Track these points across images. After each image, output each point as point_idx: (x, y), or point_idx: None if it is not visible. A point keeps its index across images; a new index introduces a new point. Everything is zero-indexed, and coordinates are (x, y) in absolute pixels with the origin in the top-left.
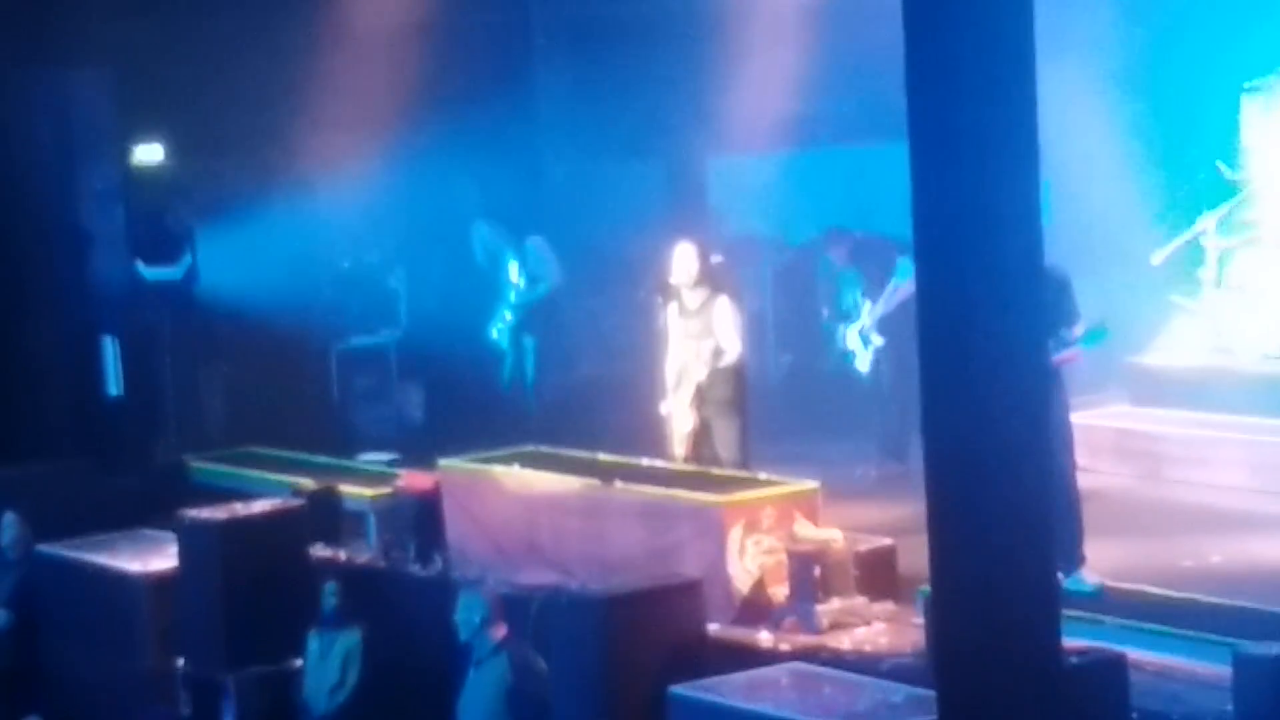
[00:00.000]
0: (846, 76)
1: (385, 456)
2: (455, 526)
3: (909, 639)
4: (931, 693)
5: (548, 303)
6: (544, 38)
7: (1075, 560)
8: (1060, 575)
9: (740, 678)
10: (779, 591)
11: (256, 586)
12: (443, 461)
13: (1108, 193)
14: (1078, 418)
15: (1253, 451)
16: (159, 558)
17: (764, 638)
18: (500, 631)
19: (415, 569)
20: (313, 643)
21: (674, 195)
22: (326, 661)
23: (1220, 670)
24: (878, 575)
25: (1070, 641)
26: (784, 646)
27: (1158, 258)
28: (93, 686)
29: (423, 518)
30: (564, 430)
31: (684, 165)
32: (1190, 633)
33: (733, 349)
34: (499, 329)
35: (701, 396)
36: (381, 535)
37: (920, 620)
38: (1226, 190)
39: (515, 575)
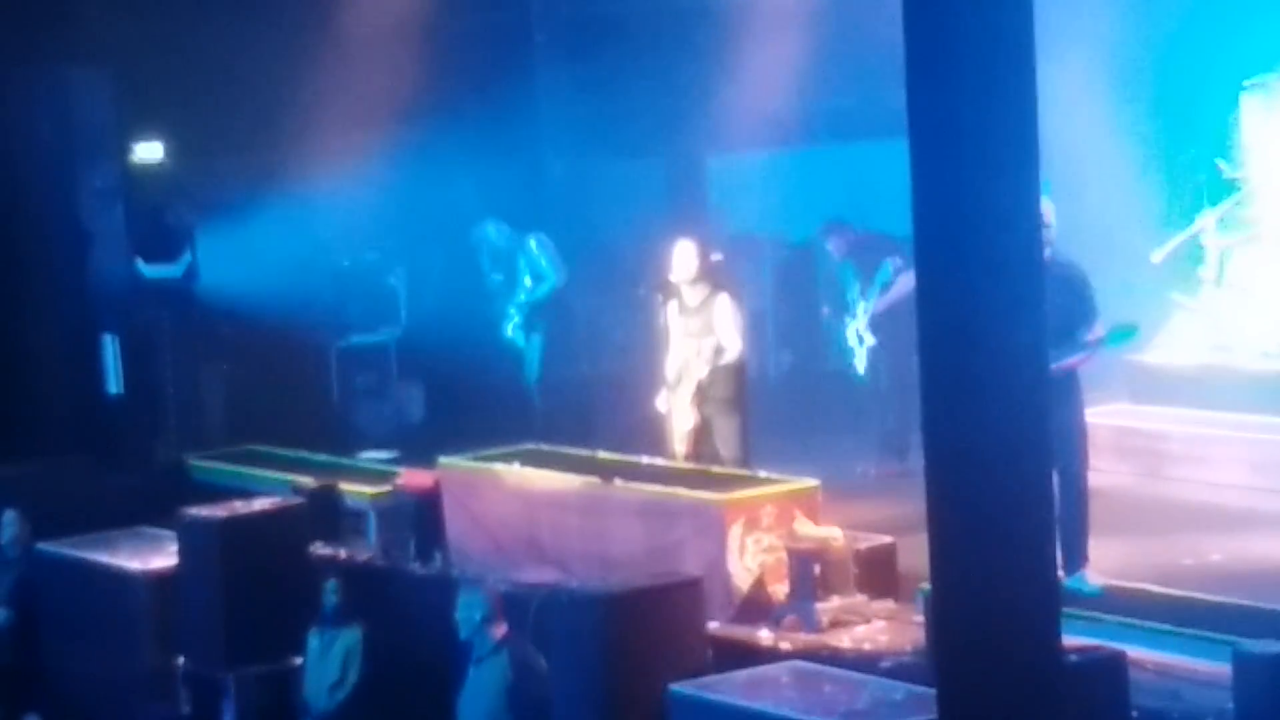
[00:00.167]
0: (847, 74)
1: (385, 455)
2: (455, 524)
3: (909, 637)
4: (931, 691)
5: (552, 301)
6: (544, 36)
7: (1078, 560)
8: (1062, 574)
9: (740, 676)
10: (779, 590)
11: (256, 585)
12: (443, 460)
13: (1108, 191)
14: None
15: (1253, 449)
16: (159, 556)
17: (764, 636)
18: (500, 630)
19: (415, 567)
20: (313, 641)
21: (674, 193)
22: (327, 659)
23: (1220, 668)
24: (878, 573)
25: (1070, 639)
26: (784, 645)
27: (1158, 256)
28: (92, 685)
29: (423, 516)
30: (564, 428)
31: (684, 163)
32: (1190, 631)
33: (733, 347)
34: (513, 326)
35: (702, 394)
36: (381, 533)
37: (920, 618)
38: (1226, 188)
39: (515, 573)
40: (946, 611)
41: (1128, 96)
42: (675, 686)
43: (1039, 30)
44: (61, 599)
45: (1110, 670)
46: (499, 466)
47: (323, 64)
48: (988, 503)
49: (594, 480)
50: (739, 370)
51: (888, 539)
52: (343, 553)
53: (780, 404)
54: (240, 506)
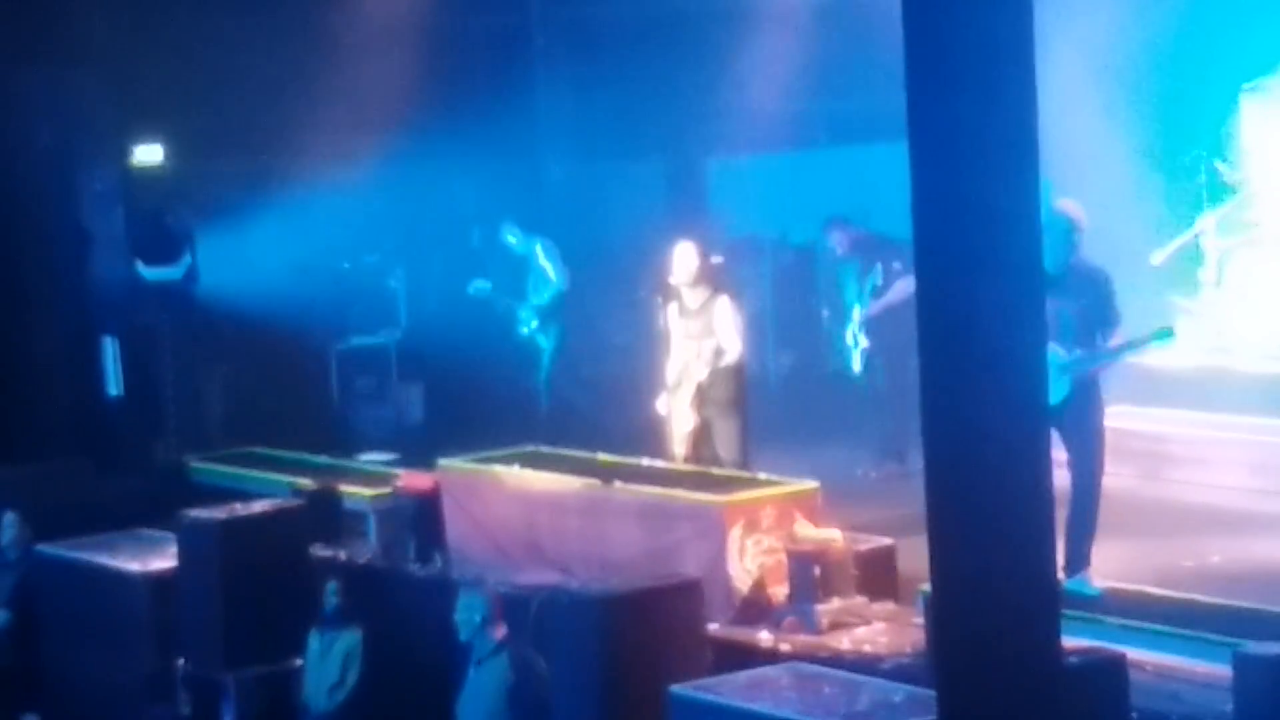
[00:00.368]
0: (846, 76)
1: (385, 456)
2: (455, 526)
3: (909, 639)
4: (931, 692)
5: (559, 304)
6: (544, 39)
7: (1080, 562)
8: (1062, 575)
9: (740, 677)
10: (779, 591)
11: (256, 586)
12: (442, 461)
13: (1108, 193)
14: None
15: (1253, 451)
16: (159, 557)
17: (764, 637)
18: (500, 631)
19: (415, 569)
20: (313, 642)
21: (674, 195)
22: (327, 661)
23: (1220, 670)
24: (878, 575)
25: (1070, 641)
26: (784, 646)
27: (1158, 258)
28: (92, 686)
29: (422, 517)
30: (564, 430)
31: (684, 165)
32: (1190, 633)
33: (733, 349)
34: (530, 328)
35: (702, 396)
36: (381, 535)
37: (920, 620)
38: (1226, 191)
39: (515, 575)
40: (946, 613)
41: (1127, 99)
42: (675, 688)
43: (1039, 33)
44: (61, 601)
45: (1110, 672)
46: (499, 468)
47: (323, 66)
48: (987, 505)
49: (594, 482)
50: (739, 372)
51: (887, 541)
52: (342, 554)
53: (780, 406)
54: (240, 508)
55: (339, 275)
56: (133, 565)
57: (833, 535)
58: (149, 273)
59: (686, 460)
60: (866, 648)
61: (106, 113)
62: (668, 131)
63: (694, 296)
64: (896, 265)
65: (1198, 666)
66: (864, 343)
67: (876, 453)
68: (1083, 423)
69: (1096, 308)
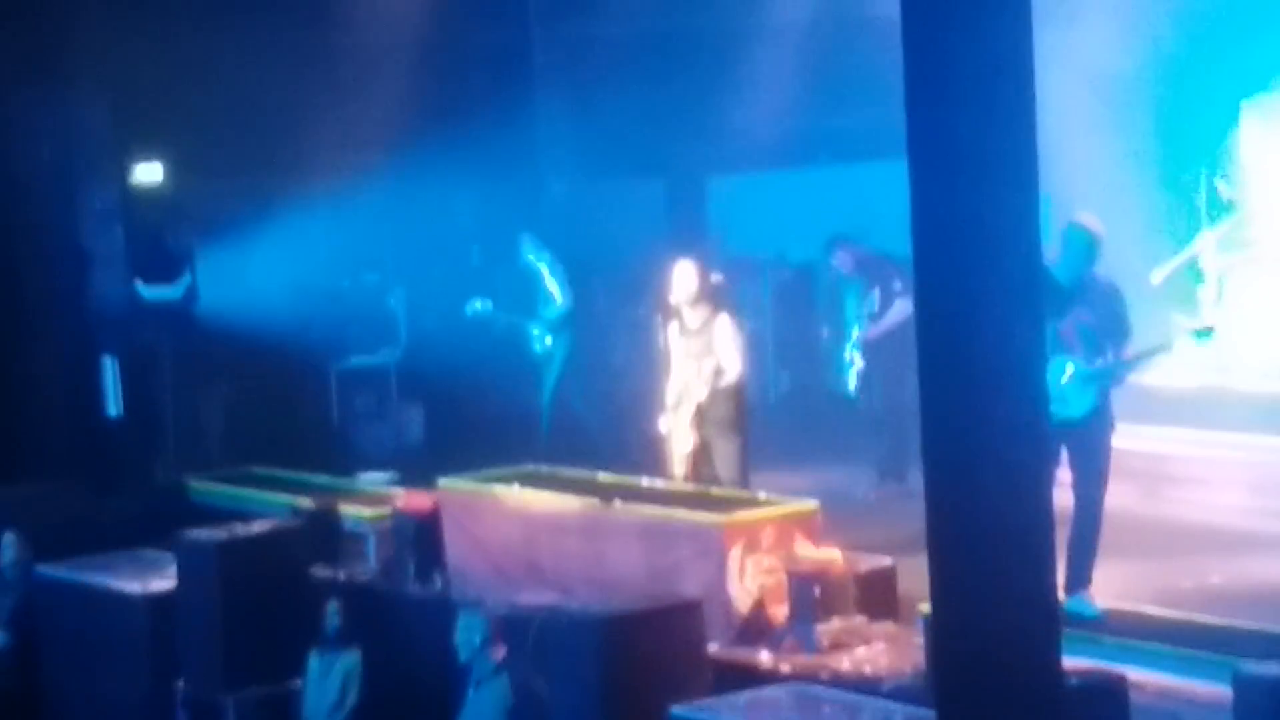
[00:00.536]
0: (846, 95)
1: (385, 476)
2: (455, 546)
3: (909, 659)
4: (931, 713)
5: (566, 323)
6: (543, 56)
7: (1080, 581)
8: (1062, 594)
9: (740, 698)
10: (779, 611)
11: (256, 607)
12: (442, 481)
13: (1107, 210)
14: None
15: (1252, 471)
16: (158, 578)
17: (764, 658)
18: (500, 652)
19: (415, 589)
20: (313, 662)
21: (674, 214)
22: (327, 681)
23: (1220, 690)
24: (877, 595)
25: (1070, 662)
26: (784, 666)
27: (1157, 276)
28: (92, 707)
29: (422, 538)
30: (564, 450)
31: (684, 184)
32: (1190, 652)
33: (733, 368)
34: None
35: (702, 416)
36: (381, 555)
37: (920, 640)
38: (1226, 208)
39: (515, 595)
40: (946, 633)
41: (1127, 116)
42: (675, 709)
43: (1038, 50)
44: (61, 621)
45: (1111, 692)
46: (498, 488)
47: (323, 85)
48: (988, 525)
49: (594, 502)
50: (738, 392)
51: (887, 561)
52: (342, 575)
53: (780, 425)
54: (239, 528)
55: (339, 294)
56: (132, 586)
57: (833, 555)
58: (148, 292)
59: (686, 480)
60: (866, 668)
61: (106, 132)
62: (668, 150)
63: (694, 315)
64: (897, 285)
65: (1198, 686)
66: (859, 363)
67: (876, 472)
68: (1095, 440)
69: (1110, 320)
